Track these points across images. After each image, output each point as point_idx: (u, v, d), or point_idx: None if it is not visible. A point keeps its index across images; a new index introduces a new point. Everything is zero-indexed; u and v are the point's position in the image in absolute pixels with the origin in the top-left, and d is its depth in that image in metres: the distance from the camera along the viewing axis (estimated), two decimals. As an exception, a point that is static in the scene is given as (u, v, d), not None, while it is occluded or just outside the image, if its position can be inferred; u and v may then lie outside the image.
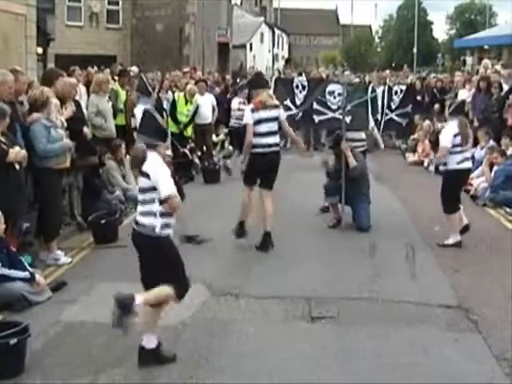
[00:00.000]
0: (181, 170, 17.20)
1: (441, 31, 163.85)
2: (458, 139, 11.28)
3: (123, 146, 14.46)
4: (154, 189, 6.68)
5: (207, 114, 19.28)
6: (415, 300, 8.76)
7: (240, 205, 11.56)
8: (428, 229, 12.32)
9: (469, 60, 49.91)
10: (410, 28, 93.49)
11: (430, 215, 12.64)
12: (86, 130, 12.41)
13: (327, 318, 8.18)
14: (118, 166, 14.28)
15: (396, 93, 13.19)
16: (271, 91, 11.80)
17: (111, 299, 6.52)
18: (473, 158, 17.17)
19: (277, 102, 11.42)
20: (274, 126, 11.16)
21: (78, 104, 12.57)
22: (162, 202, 6.69)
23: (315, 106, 12.46)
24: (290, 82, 12.91)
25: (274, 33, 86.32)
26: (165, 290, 6.73)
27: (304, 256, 10.74)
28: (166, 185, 6.64)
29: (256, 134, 11.12)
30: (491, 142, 16.68)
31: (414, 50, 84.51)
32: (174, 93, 19.06)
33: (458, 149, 11.30)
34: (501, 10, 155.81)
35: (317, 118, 12.56)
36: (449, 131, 11.43)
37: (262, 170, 11.31)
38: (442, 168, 12.50)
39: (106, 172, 13.91)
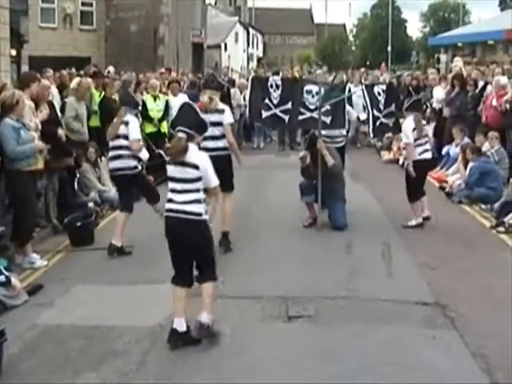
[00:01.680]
0: (156, 171, 17.15)
1: (415, 29, 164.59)
2: (415, 133, 12.24)
3: (96, 148, 14.40)
4: (199, 179, 7.26)
5: (181, 114, 19.22)
6: (392, 298, 8.79)
7: None
8: (404, 226, 12.39)
9: (443, 58, 50.05)
10: (385, 26, 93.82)
11: (405, 213, 12.66)
12: (60, 131, 12.35)
13: (304, 318, 8.19)
14: (93, 169, 14.22)
15: (379, 94, 13.09)
16: (214, 94, 11.32)
17: (88, 302, 6.48)
18: (448, 155, 17.37)
19: (220, 107, 11.12)
20: (213, 131, 10.74)
21: (52, 106, 12.52)
22: (205, 191, 7.39)
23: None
24: (265, 81, 12.82)
25: (248, 32, 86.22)
26: (210, 289, 7.51)
27: (280, 255, 10.74)
28: (214, 176, 7.43)
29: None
30: (466, 139, 16.77)
31: (389, 48, 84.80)
32: (148, 93, 19.00)
33: (417, 142, 12.27)
34: (474, 8, 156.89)
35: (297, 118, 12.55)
36: (408, 128, 12.30)
37: None
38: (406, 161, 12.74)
39: (81, 175, 13.84)
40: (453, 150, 17.26)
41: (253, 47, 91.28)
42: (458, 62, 23.88)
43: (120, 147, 10.99)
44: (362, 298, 8.84)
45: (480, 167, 14.51)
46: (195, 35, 51.17)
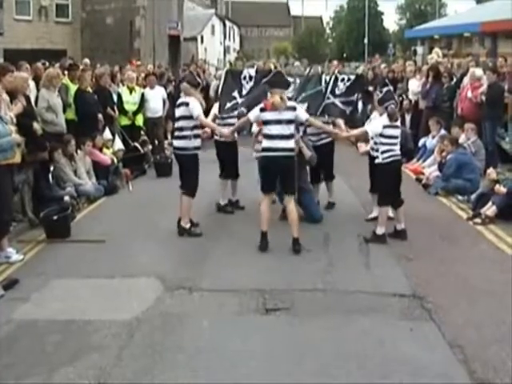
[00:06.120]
0: (132, 164, 17.13)
1: (391, 22, 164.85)
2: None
3: (73, 141, 14.30)
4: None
5: (158, 107, 19.26)
6: (369, 290, 8.81)
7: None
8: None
9: (419, 50, 50.24)
10: (361, 19, 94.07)
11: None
12: (35, 125, 12.23)
13: (282, 310, 8.18)
14: (69, 162, 14.12)
15: (342, 80, 12.94)
16: (283, 92, 10.78)
17: (65, 296, 6.43)
18: (424, 146, 17.42)
19: (291, 104, 10.74)
20: (285, 129, 10.46)
21: (28, 99, 12.42)
22: None
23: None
24: (238, 74, 12.82)
25: (225, 25, 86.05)
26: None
27: (256, 248, 10.71)
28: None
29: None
30: (442, 131, 16.83)
31: (365, 41, 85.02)
32: (124, 86, 18.92)
33: None
34: (450, 1, 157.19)
35: None
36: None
37: (274, 175, 10.81)
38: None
39: (57, 168, 13.74)
40: (429, 141, 17.32)
41: (229, 40, 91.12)
42: (435, 55, 23.90)
43: None
44: (339, 290, 8.85)
45: (457, 159, 14.54)
46: (172, 28, 50.96)
